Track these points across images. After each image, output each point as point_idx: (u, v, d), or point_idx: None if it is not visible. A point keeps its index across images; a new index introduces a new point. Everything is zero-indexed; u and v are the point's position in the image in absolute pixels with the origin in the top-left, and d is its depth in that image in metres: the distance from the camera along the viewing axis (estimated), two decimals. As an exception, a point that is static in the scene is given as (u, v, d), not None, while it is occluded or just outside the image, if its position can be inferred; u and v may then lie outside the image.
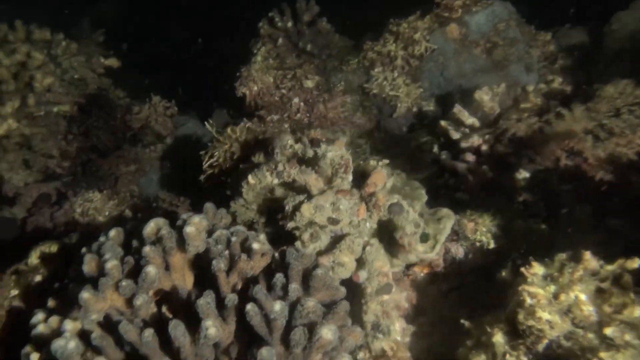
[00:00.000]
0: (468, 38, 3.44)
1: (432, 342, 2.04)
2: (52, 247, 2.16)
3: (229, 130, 2.65)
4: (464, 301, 2.16)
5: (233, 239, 1.74)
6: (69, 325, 1.57)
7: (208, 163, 2.68)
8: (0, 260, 3.13)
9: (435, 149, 3.10)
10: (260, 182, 2.13)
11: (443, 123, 3.06)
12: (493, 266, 2.13)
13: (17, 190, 3.45)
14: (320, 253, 1.94)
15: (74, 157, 3.61)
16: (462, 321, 1.83)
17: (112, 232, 1.86)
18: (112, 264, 1.55)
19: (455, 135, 2.95)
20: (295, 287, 1.51)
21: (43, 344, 1.58)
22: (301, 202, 1.95)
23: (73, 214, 3.14)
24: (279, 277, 1.55)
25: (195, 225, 1.65)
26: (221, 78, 4.62)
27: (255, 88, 3.50)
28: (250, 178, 2.14)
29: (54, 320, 1.63)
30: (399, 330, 2.00)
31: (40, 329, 1.58)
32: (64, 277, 1.98)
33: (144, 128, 3.92)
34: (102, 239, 1.87)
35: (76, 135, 3.62)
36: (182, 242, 1.68)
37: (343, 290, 1.68)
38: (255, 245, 1.71)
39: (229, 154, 2.61)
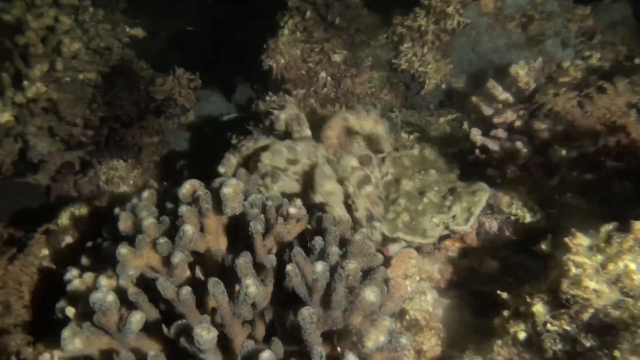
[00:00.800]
0: (503, 12, 3.34)
1: (463, 314, 2.01)
2: (82, 209, 2.15)
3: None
4: (497, 275, 2.12)
5: (268, 203, 1.71)
6: (104, 281, 1.56)
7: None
8: (26, 226, 3.16)
9: (466, 125, 3.04)
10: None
11: (474, 99, 3.00)
12: (529, 240, 2.09)
13: (42, 158, 3.45)
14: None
15: (97, 126, 3.59)
16: (498, 292, 1.78)
17: (146, 194, 1.84)
18: (149, 222, 1.53)
19: (488, 111, 2.88)
20: (334, 250, 1.48)
21: (78, 299, 1.57)
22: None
23: (97, 181, 3.13)
24: (317, 240, 1.52)
25: (232, 187, 1.62)
26: (245, 51, 4.58)
27: (282, 61, 3.44)
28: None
29: (88, 276, 1.62)
30: (431, 302, 1.97)
31: (76, 284, 1.57)
32: (95, 238, 1.97)
33: (168, 100, 3.89)
34: (135, 200, 1.86)
35: (100, 104, 3.60)
36: (217, 204, 1.65)
37: (380, 257, 1.64)
38: (292, 210, 1.68)
39: None
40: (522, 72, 2.84)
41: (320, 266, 1.37)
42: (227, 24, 5.33)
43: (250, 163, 2.19)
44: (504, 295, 1.75)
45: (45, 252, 2.05)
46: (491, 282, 2.09)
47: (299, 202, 1.76)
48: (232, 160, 2.26)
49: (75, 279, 1.60)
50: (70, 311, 1.53)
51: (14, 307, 1.85)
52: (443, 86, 3.46)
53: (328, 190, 2.01)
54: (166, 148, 3.67)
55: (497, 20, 3.36)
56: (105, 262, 1.68)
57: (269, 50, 3.48)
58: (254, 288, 1.36)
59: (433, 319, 1.86)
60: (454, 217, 2.12)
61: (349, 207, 2.04)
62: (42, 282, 1.95)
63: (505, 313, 1.69)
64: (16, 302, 1.88)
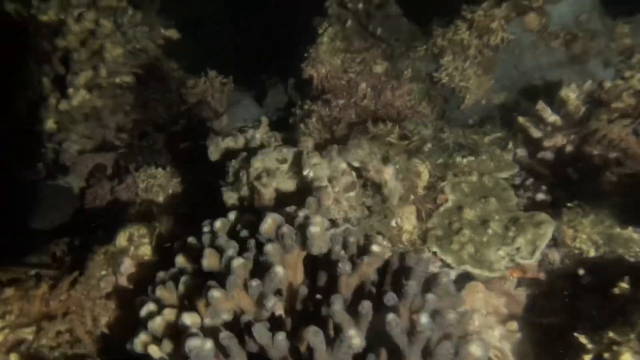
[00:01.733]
0: (547, 29, 3.30)
1: (529, 349, 2.00)
2: (141, 230, 2.10)
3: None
4: (559, 309, 2.10)
5: (351, 239, 1.68)
6: (188, 320, 1.52)
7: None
8: (61, 233, 3.09)
9: (511, 145, 3.01)
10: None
11: (521, 120, 2.96)
12: (593, 275, 2.07)
13: (74, 160, 3.38)
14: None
15: (130, 129, 3.52)
16: (575, 334, 1.77)
17: (218, 223, 1.80)
18: (239, 262, 1.49)
19: (537, 134, 2.85)
20: (433, 298, 1.45)
21: (160, 337, 1.53)
22: (248, 162, 2.12)
23: (136, 189, 3.07)
24: (411, 285, 1.49)
25: (319, 225, 1.58)
26: (278, 55, 4.51)
27: (323, 71, 3.38)
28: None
29: (169, 313, 1.57)
30: (499, 337, 1.95)
31: (158, 322, 1.53)
32: (160, 264, 1.93)
33: (201, 103, 3.82)
34: (206, 229, 1.81)
35: (133, 106, 3.53)
36: (301, 241, 1.62)
37: (462, 297, 1.61)
38: (376, 248, 1.65)
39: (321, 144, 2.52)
40: (573, 95, 2.81)
41: (424, 318, 1.34)
42: (254, 23, 5.24)
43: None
44: (582, 338, 1.74)
45: (105, 272, 2.00)
46: (554, 315, 2.09)
47: (380, 238, 1.72)
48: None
49: (155, 315, 1.56)
50: (154, 351, 1.49)
51: (79, 334, 1.80)
52: (483, 102, 3.43)
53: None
54: (200, 154, 3.60)
55: (541, 38, 3.32)
56: (185, 296, 1.64)
57: (310, 59, 3.42)
58: (358, 340, 1.33)
59: (505, 356, 1.85)
60: (518, 249, 2.10)
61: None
62: (105, 308, 1.90)
63: (587, 358, 1.68)
64: (78, 329, 1.84)
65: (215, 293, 1.43)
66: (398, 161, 2.30)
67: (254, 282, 1.46)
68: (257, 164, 2.10)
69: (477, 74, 3.40)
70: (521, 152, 2.95)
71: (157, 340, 1.53)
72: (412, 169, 2.36)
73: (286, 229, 1.60)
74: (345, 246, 1.69)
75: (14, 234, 2.92)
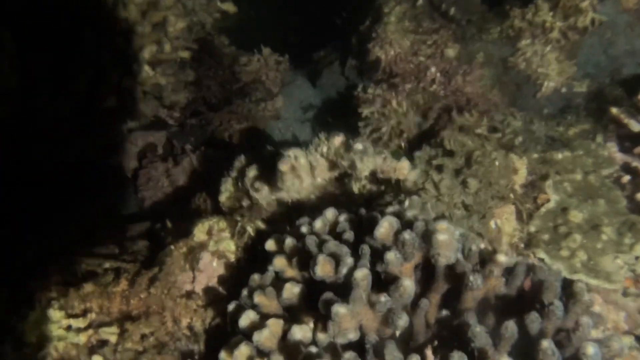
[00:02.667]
0: (646, 10, 3.02)
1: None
2: (221, 223, 1.92)
3: (394, 102, 2.34)
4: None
5: (472, 247, 1.48)
6: (299, 334, 1.35)
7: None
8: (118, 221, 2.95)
9: (600, 139, 2.77)
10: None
11: (615, 111, 2.72)
12: None
13: (122, 137, 3.21)
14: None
15: (183, 107, 3.33)
16: None
17: (319, 224, 1.62)
18: (362, 274, 1.31)
19: (636, 127, 2.61)
20: (588, 323, 1.25)
21: (267, 351, 1.37)
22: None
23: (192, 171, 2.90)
24: (557, 306, 1.30)
25: (447, 233, 1.39)
26: (334, 31, 4.26)
27: (392, 52, 3.15)
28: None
29: (274, 324, 1.40)
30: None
31: (265, 335, 1.36)
32: (248, 263, 1.76)
33: (254, 83, 3.62)
34: (304, 229, 1.63)
35: (187, 84, 3.33)
36: (422, 248, 1.43)
37: (604, 317, 1.42)
38: (503, 258, 1.46)
39: (396, 131, 2.31)
40: (678, 86, 2.56)
41: (592, 349, 1.16)
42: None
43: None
44: None
45: (185, 267, 1.83)
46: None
47: (505, 246, 1.53)
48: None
49: (259, 326, 1.39)
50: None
51: (160, 337, 1.65)
52: (563, 90, 3.17)
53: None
54: (255, 137, 3.41)
55: (639, 19, 3.03)
56: (288, 306, 1.47)
57: (379, 39, 3.18)
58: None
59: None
60: (638, 258, 1.90)
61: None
62: (186, 308, 1.74)
63: None
64: (159, 331, 1.68)
65: (341, 309, 1.25)
66: (496, 157, 2.09)
67: (383, 298, 1.27)
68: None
69: (559, 59, 3.13)
70: (612, 146, 2.71)
71: (263, 354, 1.37)
72: (509, 165, 2.14)
73: (408, 235, 1.41)
74: (466, 254, 1.50)
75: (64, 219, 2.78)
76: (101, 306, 1.63)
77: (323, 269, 1.40)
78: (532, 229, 2.03)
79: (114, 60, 2.59)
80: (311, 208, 2.07)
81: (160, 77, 2.54)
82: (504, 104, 3.33)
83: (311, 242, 1.51)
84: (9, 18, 2.50)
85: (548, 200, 2.10)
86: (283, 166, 1.87)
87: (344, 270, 1.37)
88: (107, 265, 1.80)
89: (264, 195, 2.00)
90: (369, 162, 2.00)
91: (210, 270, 1.86)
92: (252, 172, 2.06)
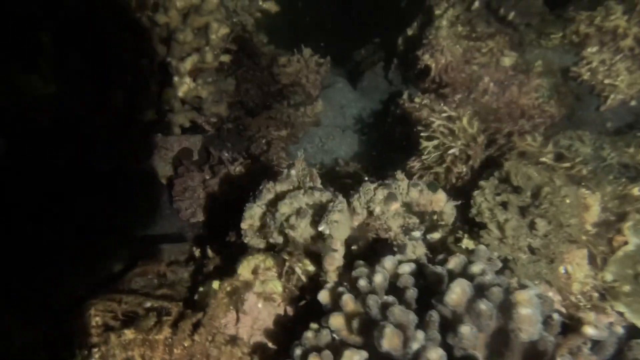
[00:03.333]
0: None
1: None
2: (268, 261, 1.79)
3: (464, 121, 2.15)
4: None
5: (554, 317, 1.32)
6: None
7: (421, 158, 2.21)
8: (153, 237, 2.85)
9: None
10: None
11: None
12: None
13: (157, 142, 3.10)
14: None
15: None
16: None
17: (379, 278, 1.47)
18: (436, 356, 1.16)
19: None
20: None
21: None
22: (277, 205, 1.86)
23: (231, 182, 2.78)
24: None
25: (529, 306, 1.23)
26: (378, 30, 4.06)
27: (443, 61, 2.94)
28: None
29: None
30: None
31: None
32: (298, 312, 1.63)
33: (293, 85, 3.45)
34: (362, 282, 1.49)
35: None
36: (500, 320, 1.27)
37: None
38: (591, 331, 1.30)
39: (463, 156, 2.13)
40: None
41: None
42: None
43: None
44: None
45: (229, 311, 1.72)
46: None
47: (591, 315, 1.37)
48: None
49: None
50: None
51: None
52: (632, 103, 2.92)
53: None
54: (295, 144, 3.27)
55: None
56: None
57: (429, 46, 2.97)
58: None
59: None
60: None
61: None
62: (231, 357, 1.63)
63: None
64: (203, 380, 1.58)
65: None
66: (567, 193, 1.90)
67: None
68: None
69: (630, 69, 2.88)
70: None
71: None
72: (580, 202, 1.95)
73: (484, 306, 1.26)
74: (545, 321, 1.34)
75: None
76: (143, 356, 1.53)
77: (390, 342, 1.26)
78: (609, 276, 1.85)
79: (153, 69, 2.46)
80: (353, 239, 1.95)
81: (202, 90, 2.39)
82: (561, 117, 3.12)
83: (373, 304, 1.37)
84: (49, 24, 2.38)
85: (626, 243, 1.91)
86: (335, 215, 1.73)
87: (414, 347, 1.23)
88: (148, 304, 1.70)
89: (299, 233, 1.85)
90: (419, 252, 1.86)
91: (255, 313, 1.75)
92: (284, 208, 1.90)
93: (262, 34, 3.61)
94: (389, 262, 1.57)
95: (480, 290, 1.34)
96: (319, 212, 1.83)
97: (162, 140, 3.07)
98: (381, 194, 1.90)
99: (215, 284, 1.74)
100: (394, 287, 1.53)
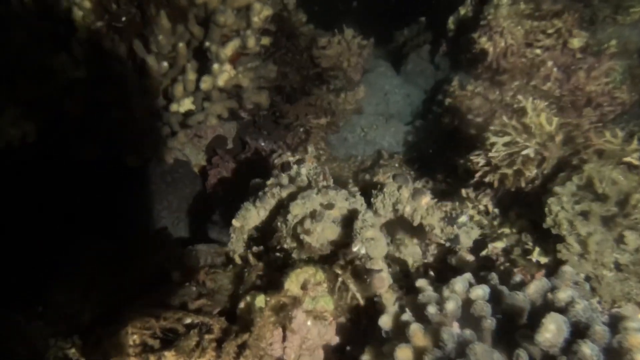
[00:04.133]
0: None
1: None
2: (318, 275, 1.61)
3: (543, 117, 1.90)
4: None
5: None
6: None
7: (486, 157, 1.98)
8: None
9: None
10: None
11: None
12: None
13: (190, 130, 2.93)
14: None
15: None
16: None
17: (451, 306, 1.28)
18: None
19: None
20: None
21: None
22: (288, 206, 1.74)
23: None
24: None
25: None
26: (423, 7, 3.78)
27: (502, 44, 2.67)
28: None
29: None
30: None
31: None
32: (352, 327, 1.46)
33: (334, 69, 3.23)
34: (431, 309, 1.30)
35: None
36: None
37: None
38: None
39: (537, 158, 1.89)
40: None
41: None
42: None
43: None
44: None
45: (276, 330, 1.55)
46: None
47: None
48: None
49: None
50: None
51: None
52: None
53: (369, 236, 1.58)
54: (335, 132, 3.06)
55: None
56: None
57: (487, 27, 2.70)
58: None
59: None
60: None
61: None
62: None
63: None
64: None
65: None
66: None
67: None
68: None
69: None
70: None
71: None
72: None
73: (588, 350, 1.06)
74: None
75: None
76: (184, 380, 1.39)
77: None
78: None
79: (189, 53, 2.27)
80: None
81: (243, 78, 2.20)
82: (632, 103, 2.82)
83: (448, 338, 1.19)
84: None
85: None
86: (369, 233, 1.55)
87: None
88: (188, 320, 1.55)
89: (316, 237, 1.69)
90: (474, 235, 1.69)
91: (304, 332, 1.58)
92: (296, 209, 1.74)
93: (301, 11, 3.37)
94: (459, 284, 1.38)
95: (578, 328, 1.14)
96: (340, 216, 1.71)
97: (196, 126, 2.90)
98: (406, 191, 1.73)
99: (261, 300, 1.58)
100: (465, 312, 1.34)
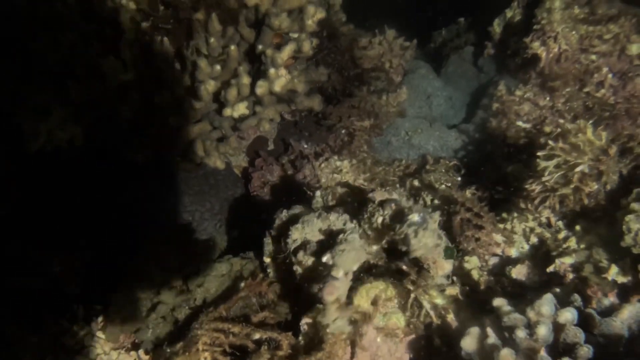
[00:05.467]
0: None
1: None
2: (388, 291, 1.57)
3: (588, 133, 1.85)
4: None
5: None
6: None
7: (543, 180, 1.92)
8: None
9: None
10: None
11: None
12: None
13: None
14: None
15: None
16: None
17: (542, 331, 1.23)
18: None
19: None
20: None
21: None
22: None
23: (316, 183, 2.56)
24: None
25: None
26: (465, 6, 3.71)
27: (556, 49, 2.60)
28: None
29: None
30: None
31: None
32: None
33: (375, 70, 3.17)
34: (521, 334, 1.25)
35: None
36: None
37: None
38: None
39: (594, 172, 1.83)
40: None
41: None
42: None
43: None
44: None
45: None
46: None
47: None
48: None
49: None
50: None
51: None
52: None
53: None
54: (379, 136, 3.00)
55: None
56: None
57: (541, 32, 2.63)
58: None
59: None
60: None
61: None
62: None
63: None
64: None
65: None
66: None
67: None
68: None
69: None
70: None
71: None
72: None
73: None
74: None
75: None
76: (258, 400, 1.36)
77: None
78: None
79: (240, 56, 2.23)
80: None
81: (298, 83, 2.15)
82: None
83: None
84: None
85: None
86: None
87: None
88: (257, 336, 1.52)
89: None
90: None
91: (374, 349, 1.54)
92: (295, 233, 1.71)
93: (341, 10, 3.31)
94: (546, 307, 1.33)
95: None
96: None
97: (235, 126, 2.86)
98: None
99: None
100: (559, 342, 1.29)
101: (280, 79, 2.03)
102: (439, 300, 1.56)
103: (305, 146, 2.83)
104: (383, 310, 1.56)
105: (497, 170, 2.58)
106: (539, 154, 1.99)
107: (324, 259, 1.52)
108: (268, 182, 2.71)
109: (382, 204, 1.66)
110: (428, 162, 2.76)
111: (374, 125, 2.98)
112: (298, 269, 1.68)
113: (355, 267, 1.52)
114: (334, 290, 1.45)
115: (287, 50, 2.06)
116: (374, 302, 1.57)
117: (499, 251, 2.08)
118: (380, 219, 1.63)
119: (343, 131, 2.98)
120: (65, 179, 2.63)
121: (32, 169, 2.57)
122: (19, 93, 2.42)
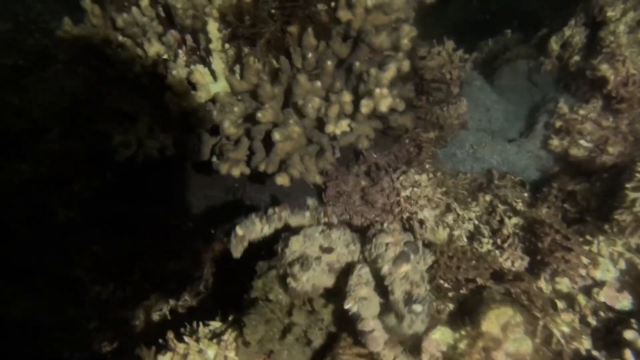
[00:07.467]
0: None
1: None
2: (517, 317, 1.66)
3: None
4: None
5: None
6: None
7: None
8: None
9: None
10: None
11: None
12: None
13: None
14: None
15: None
16: None
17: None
18: None
19: None
20: None
21: None
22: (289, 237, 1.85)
23: (396, 196, 2.62)
24: None
25: None
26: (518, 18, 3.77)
27: (624, 73, 2.70)
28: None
29: None
30: None
31: None
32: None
33: (435, 81, 3.22)
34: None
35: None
36: None
37: None
38: None
39: None
40: None
41: None
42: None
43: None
44: None
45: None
46: None
47: None
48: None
49: None
50: None
51: None
52: None
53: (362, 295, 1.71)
54: (443, 147, 3.07)
55: None
56: None
57: (610, 55, 2.72)
58: None
59: None
60: None
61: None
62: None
63: None
64: None
65: None
66: None
67: None
68: None
69: None
70: None
71: None
72: None
73: None
74: None
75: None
76: None
77: None
78: None
79: (337, 72, 2.26)
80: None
81: (400, 103, 2.20)
82: None
83: None
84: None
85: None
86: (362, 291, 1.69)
87: None
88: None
89: (300, 285, 1.79)
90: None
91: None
92: (296, 245, 1.85)
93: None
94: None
95: None
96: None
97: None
98: (392, 251, 1.79)
99: (464, 342, 1.62)
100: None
101: (386, 99, 2.08)
102: (565, 328, 1.66)
103: (375, 156, 2.88)
104: (512, 337, 1.65)
105: (563, 189, 2.68)
106: (627, 185, 2.10)
107: (347, 306, 1.68)
108: (344, 193, 2.74)
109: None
110: (494, 177, 2.85)
111: (438, 137, 3.04)
112: (292, 282, 1.76)
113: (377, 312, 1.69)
114: (379, 341, 1.62)
115: (391, 71, 2.10)
116: (504, 328, 1.65)
117: (583, 273, 2.19)
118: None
119: (407, 141, 3.03)
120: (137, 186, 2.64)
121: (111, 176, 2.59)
122: (103, 99, 2.42)
